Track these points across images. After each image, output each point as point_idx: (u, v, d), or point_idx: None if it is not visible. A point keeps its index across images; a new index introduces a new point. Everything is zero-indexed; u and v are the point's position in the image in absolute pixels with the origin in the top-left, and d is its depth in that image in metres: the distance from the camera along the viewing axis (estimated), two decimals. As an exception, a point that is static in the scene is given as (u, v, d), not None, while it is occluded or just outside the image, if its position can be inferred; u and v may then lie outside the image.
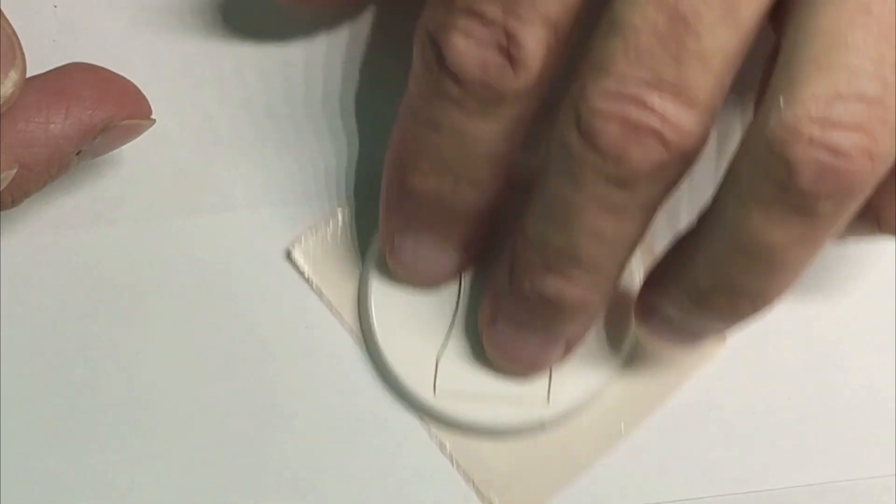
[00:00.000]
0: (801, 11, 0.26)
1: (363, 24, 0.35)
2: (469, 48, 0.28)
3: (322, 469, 0.34)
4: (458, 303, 0.33)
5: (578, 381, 0.33)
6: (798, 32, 0.26)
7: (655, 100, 0.26)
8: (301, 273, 0.34)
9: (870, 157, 0.25)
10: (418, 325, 0.33)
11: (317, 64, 0.35)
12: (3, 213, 0.33)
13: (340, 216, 0.34)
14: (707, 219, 0.28)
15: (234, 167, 0.34)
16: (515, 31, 0.27)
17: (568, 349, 0.32)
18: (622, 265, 0.30)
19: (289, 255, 0.34)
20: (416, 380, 0.33)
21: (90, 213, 0.34)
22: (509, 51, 0.28)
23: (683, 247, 0.29)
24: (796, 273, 0.28)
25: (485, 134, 0.29)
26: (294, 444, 0.34)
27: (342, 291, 0.34)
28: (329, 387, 0.34)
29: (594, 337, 0.33)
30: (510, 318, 0.31)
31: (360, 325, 0.34)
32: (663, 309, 0.30)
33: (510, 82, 0.28)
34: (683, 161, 0.27)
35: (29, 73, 0.34)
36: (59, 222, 0.34)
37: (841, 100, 0.25)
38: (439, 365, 0.33)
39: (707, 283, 0.28)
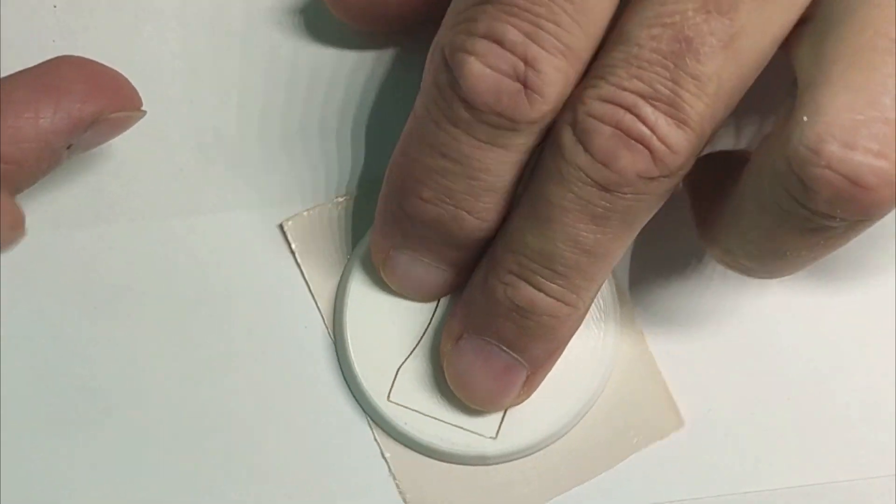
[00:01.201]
0: (820, 37, 0.26)
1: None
2: (485, 74, 0.27)
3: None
4: (432, 316, 0.33)
5: (531, 425, 0.33)
6: (821, 56, 0.26)
7: (649, 112, 0.27)
8: (289, 247, 0.34)
9: (888, 184, 0.25)
10: (389, 329, 0.33)
11: (318, 64, 0.35)
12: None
13: (341, 203, 0.34)
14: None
15: (234, 167, 0.34)
16: (536, 58, 0.27)
17: (528, 385, 0.32)
18: (596, 283, 0.30)
19: (281, 227, 0.34)
20: (373, 383, 0.33)
21: (90, 212, 0.34)
22: (527, 79, 0.27)
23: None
24: (798, 269, 0.29)
25: (493, 163, 0.29)
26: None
27: (324, 276, 0.34)
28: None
29: (555, 386, 0.33)
30: (477, 332, 0.31)
31: (334, 316, 0.34)
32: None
33: (525, 112, 0.28)
34: (667, 176, 0.27)
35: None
36: (58, 221, 0.34)
37: (864, 122, 0.25)
38: (399, 374, 0.33)
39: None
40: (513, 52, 0.27)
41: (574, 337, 0.32)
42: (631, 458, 0.34)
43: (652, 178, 0.27)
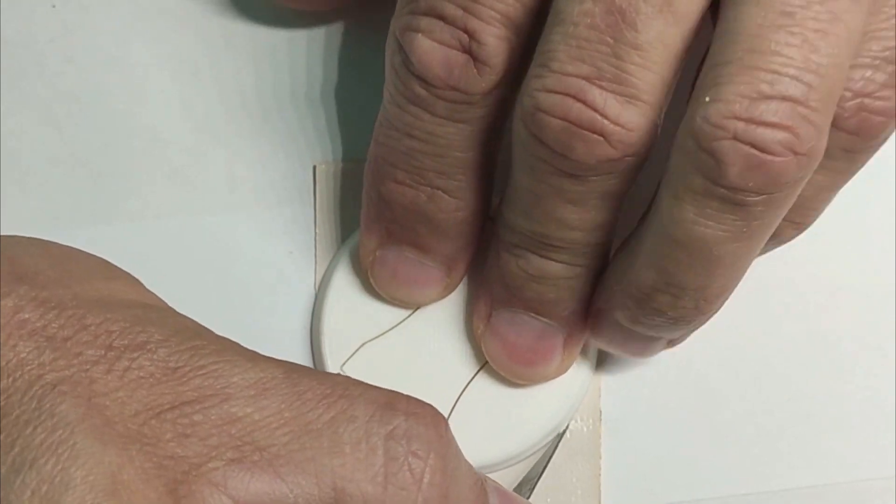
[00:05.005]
0: (728, 12, 0.26)
1: (365, 25, 0.35)
2: (432, 49, 0.28)
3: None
4: (415, 309, 0.33)
5: (480, 447, 0.32)
6: (724, 33, 0.26)
7: (596, 95, 0.26)
8: (313, 189, 0.34)
9: (794, 152, 0.25)
10: (371, 305, 0.33)
11: (318, 65, 0.35)
12: (2, 212, 0.33)
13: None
14: (646, 217, 0.29)
15: (234, 167, 0.34)
16: (476, 29, 0.28)
17: (569, 348, 0.32)
18: (602, 245, 0.30)
19: (314, 169, 0.34)
20: (335, 346, 0.33)
21: (88, 212, 0.34)
22: (471, 50, 0.28)
23: (627, 248, 0.30)
24: (735, 270, 0.28)
25: (456, 139, 0.29)
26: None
27: (332, 233, 0.34)
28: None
29: (505, 418, 0.32)
30: (504, 305, 0.31)
31: (325, 272, 0.34)
32: (611, 313, 0.30)
33: (475, 82, 0.28)
34: (631, 154, 0.27)
35: (25, 73, 0.34)
36: (57, 222, 0.34)
37: (765, 99, 0.25)
38: (361, 349, 0.33)
39: (648, 281, 0.28)
40: (454, 26, 0.28)
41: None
42: (630, 458, 0.34)
43: (616, 160, 0.27)
